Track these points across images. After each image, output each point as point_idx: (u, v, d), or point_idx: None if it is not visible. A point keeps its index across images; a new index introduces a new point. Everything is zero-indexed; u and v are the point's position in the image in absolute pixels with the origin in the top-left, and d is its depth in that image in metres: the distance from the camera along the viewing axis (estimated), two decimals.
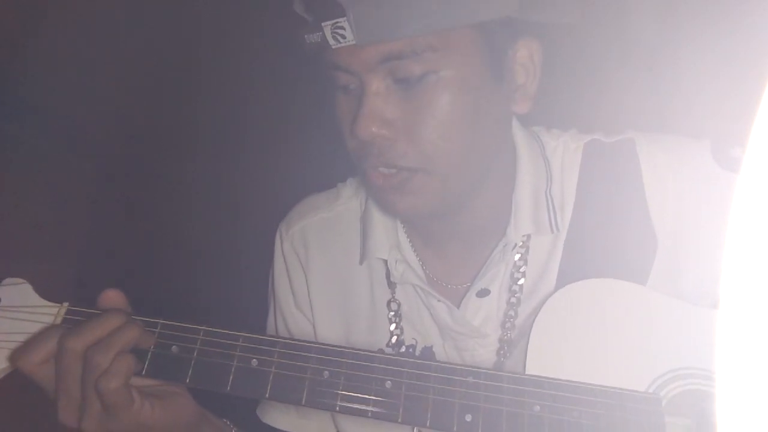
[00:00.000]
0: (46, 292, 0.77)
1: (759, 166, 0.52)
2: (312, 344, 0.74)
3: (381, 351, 0.92)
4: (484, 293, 0.88)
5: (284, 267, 1.01)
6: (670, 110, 1.25)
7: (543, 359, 0.78)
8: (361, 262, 0.94)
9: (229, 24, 1.78)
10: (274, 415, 1.00)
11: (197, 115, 1.88)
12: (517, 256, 0.87)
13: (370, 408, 0.71)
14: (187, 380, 0.72)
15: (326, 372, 0.72)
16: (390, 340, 0.92)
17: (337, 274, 0.97)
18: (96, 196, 1.78)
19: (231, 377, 0.72)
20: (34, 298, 0.76)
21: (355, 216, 0.97)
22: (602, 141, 0.90)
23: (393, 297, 0.93)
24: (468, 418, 0.71)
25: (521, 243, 0.87)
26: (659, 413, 0.73)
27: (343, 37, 0.72)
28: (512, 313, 0.87)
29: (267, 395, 0.72)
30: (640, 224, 0.86)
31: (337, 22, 0.72)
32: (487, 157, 0.83)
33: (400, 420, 0.71)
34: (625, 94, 1.32)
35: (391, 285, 0.93)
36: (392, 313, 0.93)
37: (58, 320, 0.74)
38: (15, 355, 0.70)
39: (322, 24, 0.73)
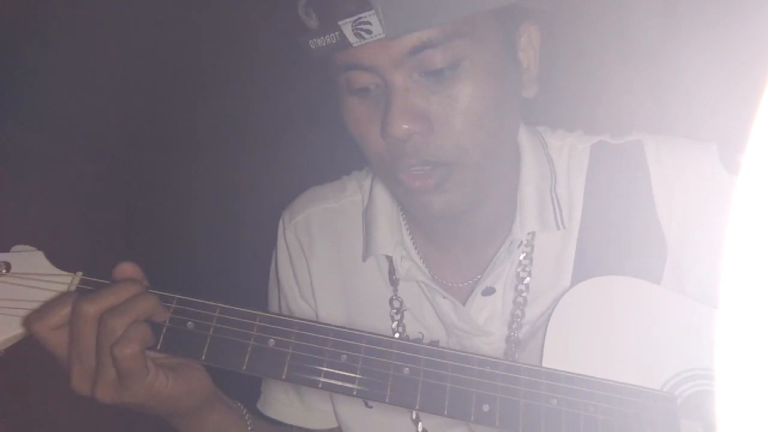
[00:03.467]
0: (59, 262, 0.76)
1: (763, 169, 0.53)
2: (330, 327, 0.73)
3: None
4: (489, 291, 0.88)
5: (287, 256, 0.99)
6: (673, 110, 1.26)
7: (559, 354, 0.77)
8: (364, 259, 0.92)
9: (229, 22, 1.77)
10: (275, 407, 0.98)
11: (198, 112, 1.87)
12: (522, 255, 0.87)
13: (387, 393, 0.70)
14: (203, 357, 0.71)
15: (344, 356, 0.72)
16: (393, 336, 0.91)
17: (340, 267, 0.96)
18: (96, 196, 1.76)
19: (247, 357, 0.71)
20: (47, 266, 0.74)
21: (360, 210, 0.96)
22: (610, 143, 0.90)
23: (395, 294, 0.92)
24: (485, 408, 0.70)
25: (526, 241, 0.87)
26: (674, 412, 0.73)
27: (369, 32, 0.70)
28: (519, 312, 0.87)
29: (284, 376, 0.71)
30: (649, 226, 0.86)
31: (361, 18, 0.69)
32: (509, 144, 0.83)
33: (417, 407, 0.70)
34: (628, 94, 1.33)
35: (394, 282, 0.91)
36: (394, 310, 0.92)
37: (72, 289, 0.72)
38: (28, 321, 0.68)
39: (340, 23, 0.70)
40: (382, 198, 0.93)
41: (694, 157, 0.86)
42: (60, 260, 0.75)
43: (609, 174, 0.89)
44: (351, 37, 0.71)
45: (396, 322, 0.92)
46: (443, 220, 0.83)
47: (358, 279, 0.95)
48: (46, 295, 0.71)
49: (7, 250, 0.74)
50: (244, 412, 0.85)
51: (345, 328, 0.73)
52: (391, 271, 0.91)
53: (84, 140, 1.80)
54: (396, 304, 0.92)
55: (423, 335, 0.92)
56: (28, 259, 0.74)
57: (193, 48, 1.80)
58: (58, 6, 1.68)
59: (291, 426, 0.99)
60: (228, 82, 1.87)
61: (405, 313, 0.92)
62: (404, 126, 0.73)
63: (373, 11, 0.69)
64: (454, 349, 0.74)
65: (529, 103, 0.84)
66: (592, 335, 0.79)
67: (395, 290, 0.92)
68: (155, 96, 1.83)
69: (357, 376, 0.71)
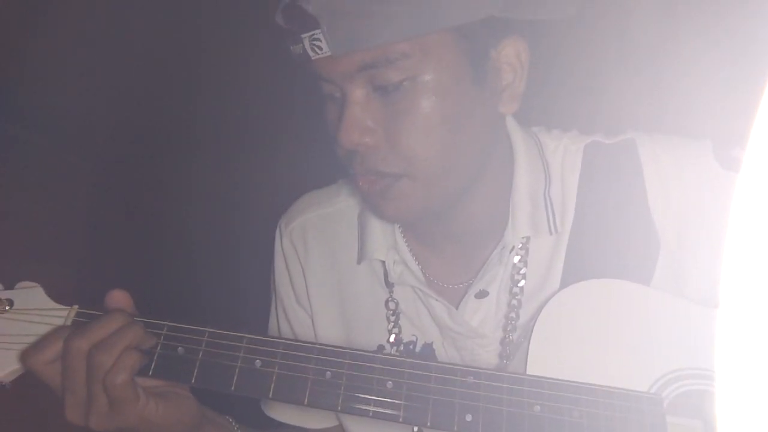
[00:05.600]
0: (58, 294, 0.80)
1: (760, 166, 0.52)
2: (314, 345, 0.75)
3: (381, 347, 0.93)
4: (482, 294, 0.89)
5: (284, 263, 1.02)
6: (671, 110, 1.25)
7: (545, 359, 0.78)
8: (359, 262, 0.94)
9: (229, 22, 1.79)
10: (277, 408, 1.01)
11: (198, 115, 1.90)
12: (516, 258, 0.88)
13: (371, 408, 0.72)
14: (193, 380, 0.74)
15: (328, 372, 0.74)
16: (389, 338, 0.93)
17: (336, 271, 0.98)
18: (96, 196, 1.80)
19: (235, 378, 0.74)
20: (46, 301, 0.78)
21: (354, 213, 0.98)
22: (603, 142, 0.90)
23: (391, 296, 0.93)
24: (468, 418, 0.72)
25: (521, 245, 0.87)
26: (660, 414, 0.73)
27: (320, 48, 0.74)
28: (513, 315, 0.87)
29: (270, 395, 0.73)
30: (643, 225, 0.85)
31: (314, 34, 0.73)
32: (474, 160, 0.83)
33: (401, 420, 0.72)
34: (626, 94, 1.31)
35: (389, 285, 0.93)
36: (390, 312, 0.93)
37: (68, 322, 0.76)
38: (24, 355, 0.72)
39: (302, 36, 0.74)
40: None
41: (689, 154, 0.86)
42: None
43: (602, 174, 0.89)
44: (309, 51, 0.75)
45: (392, 324, 0.93)
46: (400, 223, 0.87)
47: (354, 283, 0.97)
48: (45, 329, 0.75)
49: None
50: (236, 428, 0.88)
51: (329, 346, 0.76)
52: (386, 274, 0.93)
53: (83, 140, 1.84)
54: (392, 305, 0.94)
55: (416, 338, 0.94)
56: (29, 295, 0.79)
57: (194, 49, 1.82)
58: (58, 6, 1.73)
59: (290, 426, 1.02)
60: (228, 83, 1.88)
61: (400, 315, 0.94)
62: (353, 137, 0.77)
63: (320, 30, 0.72)
64: (438, 362, 0.75)
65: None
66: (577, 338, 0.79)
67: (390, 293, 0.94)
68: (155, 96, 1.86)
69: (341, 392, 0.73)
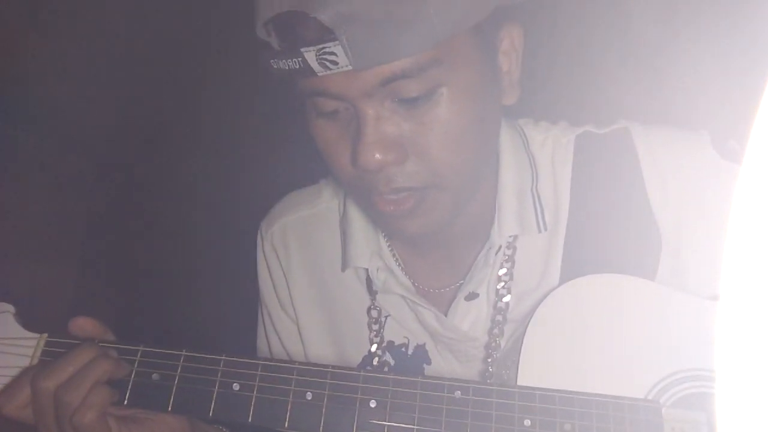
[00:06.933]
0: (29, 320, 0.77)
1: (760, 158, 0.48)
2: (293, 365, 0.72)
3: (372, 354, 0.90)
4: (472, 297, 0.85)
5: (266, 268, 0.98)
6: (671, 106, 1.19)
7: (537, 361, 0.75)
8: (343, 270, 0.90)
9: (230, 22, 1.73)
10: None
11: (194, 117, 1.86)
12: (504, 258, 0.84)
13: (354, 430, 0.70)
14: (169, 408, 0.71)
15: (309, 394, 0.71)
16: (370, 348, 0.90)
17: (319, 276, 0.94)
18: (96, 196, 1.79)
19: (212, 404, 0.71)
20: (15, 329, 0.75)
21: (337, 216, 0.94)
22: (595, 132, 0.84)
23: (373, 304, 0.89)
24: None
25: (507, 244, 0.83)
26: (659, 423, 0.70)
27: (335, 63, 0.64)
28: (500, 318, 0.83)
29: (249, 419, 0.71)
30: (643, 218, 0.81)
31: (325, 47, 0.63)
32: (488, 159, 0.79)
33: None
34: (625, 90, 1.26)
35: (372, 292, 0.89)
36: (372, 320, 0.90)
37: (38, 352, 0.74)
38: None
39: (302, 50, 0.64)
40: (357, 207, 0.90)
41: (687, 144, 0.81)
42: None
43: (596, 165, 0.84)
44: (315, 66, 0.65)
45: (374, 333, 0.90)
46: (419, 239, 0.79)
47: (338, 288, 0.93)
48: (13, 360, 0.73)
49: None
50: None
51: (309, 364, 0.73)
52: (369, 281, 0.89)
53: (83, 141, 1.82)
54: (374, 314, 0.90)
55: (408, 340, 0.91)
56: None
57: (194, 49, 1.78)
58: (58, 6, 1.69)
59: None
60: (228, 84, 1.85)
61: (388, 319, 0.90)
62: (377, 156, 0.68)
63: (337, 42, 0.62)
64: (424, 377, 0.72)
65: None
66: (573, 340, 0.76)
67: (373, 300, 0.90)
68: (154, 97, 1.83)
69: (323, 415, 0.70)
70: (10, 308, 0.78)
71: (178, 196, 1.88)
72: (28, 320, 0.77)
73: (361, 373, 0.72)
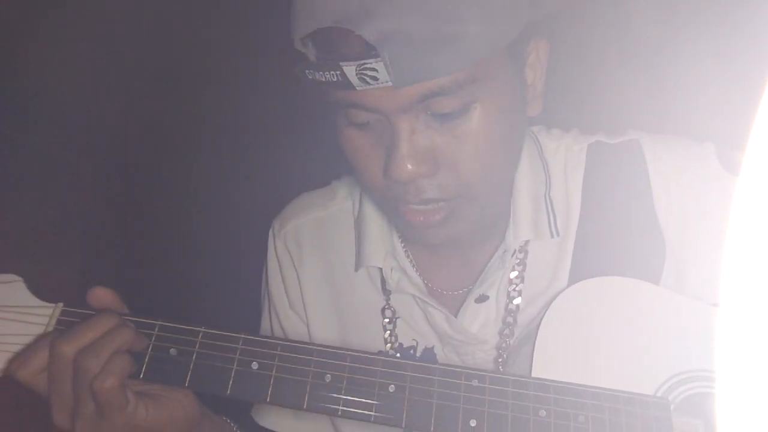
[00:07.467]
0: (42, 291, 0.75)
1: (761, 168, 0.51)
2: (313, 347, 0.72)
3: (381, 353, 0.91)
4: (482, 299, 0.87)
5: (277, 267, 0.98)
6: (673, 110, 1.23)
7: (550, 359, 0.76)
8: (356, 269, 0.91)
9: (230, 22, 1.75)
10: (269, 418, 0.98)
11: (197, 116, 1.86)
12: (515, 261, 0.86)
13: (373, 413, 0.70)
14: (186, 384, 0.70)
15: (328, 376, 0.71)
16: (385, 347, 0.91)
17: (331, 276, 0.94)
18: (95, 196, 1.77)
19: (231, 381, 0.70)
20: (28, 298, 0.74)
21: (350, 217, 0.95)
22: (607, 142, 0.88)
23: (387, 304, 0.90)
24: (473, 423, 0.69)
25: (519, 248, 0.85)
26: (668, 419, 0.72)
27: (375, 78, 0.65)
28: (510, 319, 0.85)
29: (268, 399, 0.70)
30: (648, 227, 0.84)
31: (366, 63, 0.64)
32: (514, 168, 0.82)
33: (404, 425, 0.70)
34: (625, 90, 1.30)
35: (386, 292, 0.90)
36: (386, 320, 0.91)
37: (53, 321, 0.72)
38: (12, 368, 0.68)
39: (342, 64, 0.65)
40: (372, 207, 0.92)
41: (693, 156, 0.84)
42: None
43: (607, 174, 0.87)
44: (354, 81, 0.66)
45: (388, 332, 0.91)
46: (444, 246, 0.81)
47: (350, 289, 0.93)
48: (27, 328, 0.71)
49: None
50: (235, 429, 0.85)
51: (329, 347, 0.73)
52: (383, 281, 0.90)
53: (82, 140, 1.80)
54: (388, 313, 0.91)
55: (417, 342, 0.92)
56: (10, 290, 0.74)
57: (194, 49, 1.78)
58: (58, 6, 1.68)
59: None
60: (229, 84, 1.86)
61: (398, 321, 0.91)
62: (409, 168, 0.70)
63: (380, 59, 0.64)
64: (441, 365, 0.73)
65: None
66: (584, 338, 0.78)
67: (387, 300, 0.91)
68: (155, 97, 1.82)
69: (342, 396, 0.70)
70: (19, 279, 0.76)
71: (179, 196, 1.87)
72: (41, 291, 0.75)
73: (381, 357, 0.72)
